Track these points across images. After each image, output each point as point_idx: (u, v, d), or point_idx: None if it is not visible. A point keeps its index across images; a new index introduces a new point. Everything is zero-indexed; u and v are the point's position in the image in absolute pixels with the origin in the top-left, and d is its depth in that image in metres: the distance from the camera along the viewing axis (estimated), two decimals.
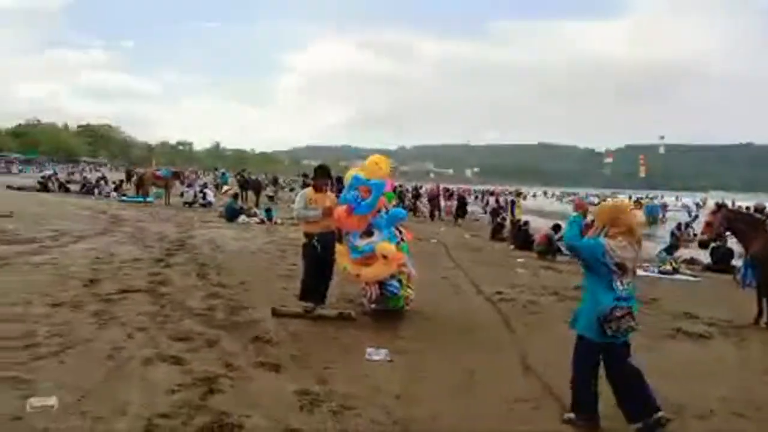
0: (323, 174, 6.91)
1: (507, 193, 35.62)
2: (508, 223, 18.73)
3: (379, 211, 6.63)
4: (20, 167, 54.65)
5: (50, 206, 19.12)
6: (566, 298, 9.10)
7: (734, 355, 6.49)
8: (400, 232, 6.92)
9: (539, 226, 18.86)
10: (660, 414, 3.96)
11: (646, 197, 49.38)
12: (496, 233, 18.36)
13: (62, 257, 9.25)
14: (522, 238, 15.71)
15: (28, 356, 4.59)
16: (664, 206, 38.88)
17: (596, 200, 45.51)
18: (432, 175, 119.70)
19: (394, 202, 7.51)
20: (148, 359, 4.77)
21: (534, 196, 72.73)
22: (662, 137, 42.54)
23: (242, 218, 17.69)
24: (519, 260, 13.33)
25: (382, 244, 6.35)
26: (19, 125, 80.00)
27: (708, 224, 8.69)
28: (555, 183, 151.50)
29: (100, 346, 5.01)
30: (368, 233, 6.50)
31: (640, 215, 4.47)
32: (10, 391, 3.88)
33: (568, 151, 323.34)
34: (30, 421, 3.51)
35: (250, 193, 25.72)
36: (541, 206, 48.09)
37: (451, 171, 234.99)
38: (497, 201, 26.59)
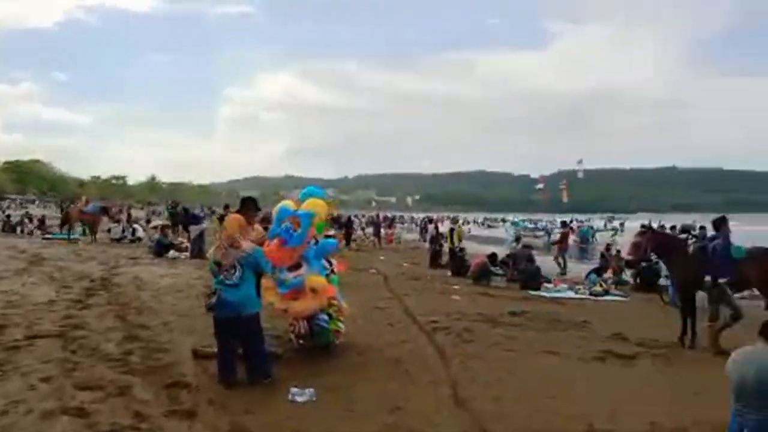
0: (250, 206, 6.63)
1: (446, 219, 36.12)
2: (446, 249, 18.79)
3: (308, 242, 6.43)
4: None
5: None
6: (501, 324, 9.12)
7: (661, 376, 6.58)
8: (331, 264, 6.73)
9: (476, 253, 19.05)
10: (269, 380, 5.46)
11: (574, 221, 51.16)
12: (435, 261, 18.39)
13: None
14: (458, 264, 15.78)
15: None
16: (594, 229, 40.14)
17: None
18: (374, 204, 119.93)
19: (324, 233, 7.31)
20: (49, 412, 4.36)
21: (474, 222, 74.10)
22: (580, 161, 43.84)
23: (172, 253, 17.01)
24: (455, 287, 13.33)
25: (311, 276, 6.13)
26: None
27: (635, 245, 8.90)
28: (494, 209, 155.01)
29: None
30: (296, 266, 6.27)
31: (229, 227, 5.84)
32: None
33: (505, 179, 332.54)
34: None
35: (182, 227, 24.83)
36: (479, 233, 49.05)
37: (393, 199, 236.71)
38: (436, 228, 26.71)
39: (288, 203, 6.57)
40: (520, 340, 8.02)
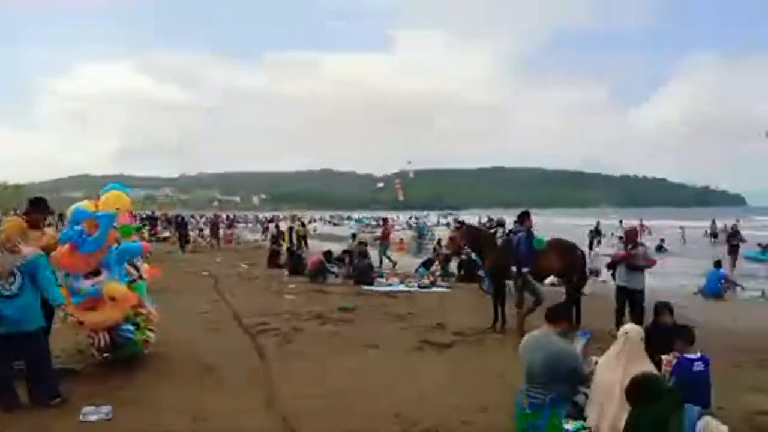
0: (39, 208, 5.95)
1: (283, 218, 35.61)
2: (284, 249, 18.55)
3: (109, 247, 5.89)
4: None
5: None
6: (330, 320, 9.18)
7: (473, 361, 7.00)
8: (137, 269, 6.25)
9: (319, 251, 19.05)
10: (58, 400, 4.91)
11: (413, 217, 53.85)
12: (273, 260, 18.07)
13: None
14: (296, 263, 15.68)
15: None
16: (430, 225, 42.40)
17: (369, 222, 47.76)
18: (216, 203, 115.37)
19: (134, 237, 6.78)
20: None
21: (320, 220, 74.39)
22: (410, 162, 46.69)
23: None
24: (291, 286, 13.21)
25: (109, 284, 5.63)
26: None
27: (451, 240, 9.48)
28: (340, 207, 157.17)
29: None
30: (95, 273, 5.74)
31: (8, 230, 5.08)
32: None
33: (350, 177, 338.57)
34: None
35: None
36: (325, 231, 49.30)
37: (238, 198, 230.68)
38: (277, 227, 26.33)
39: (84, 204, 5.98)
40: (346, 336, 8.13)
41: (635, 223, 38.65)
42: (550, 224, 41.75)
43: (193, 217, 41.32)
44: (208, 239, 27.90)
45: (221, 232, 28.54)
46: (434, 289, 13.33)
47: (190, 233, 27.67)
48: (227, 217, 39.09)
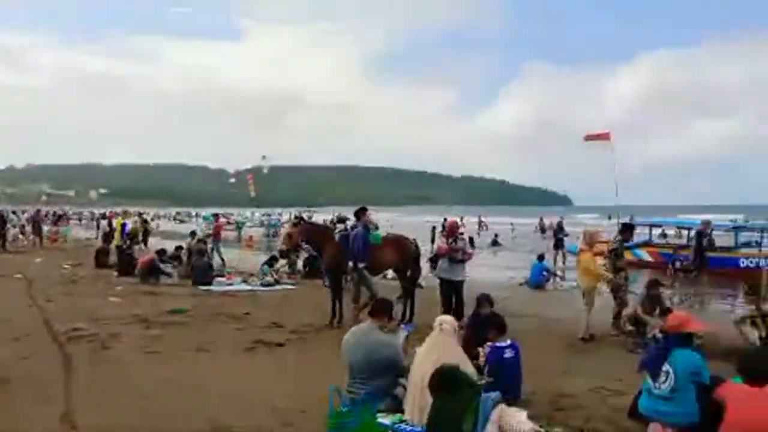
0: None
1: (135, 215, 32.66)
2: (113, 247, 17.12)
3: None
4: None
5: None
6: (157, 324, 8.59)
7: (305, 359, 6.88)
8: None
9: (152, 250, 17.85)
10: None
11: (266, 214, 52.92)
12: (101, 260, 16.54)
13: None
14: (126, 263, 14.49)
15: None
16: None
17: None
18: (45, 198, 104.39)
19: None
20: None
21: (164, 217, 70.15)
22: (264, 157, 45.76)
23: None
24: (118, 288, 12.18)
25: None
26: None
27: (288, 236, 9.31)
28: (189, 204, 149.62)
29: None
30: None
31: None
32: None
33: (201, 172, 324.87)
34: None
35: None
36: (169, 228, 46.64)
37: (72, 193, 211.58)
38: (110, 224, 24.27)
39: None
40: (172, 340, 7.62)
41: (474, 220, 41.44)
42: (401, 222, 43.20)
43: (14, 213, 36.71)
44: (31, 237, 25.00)
45: (45, 229, 25.71)
46: (278, 287, 13.04)
47: (10, 231, 24.58)
48: (54, 213, 35.26)
